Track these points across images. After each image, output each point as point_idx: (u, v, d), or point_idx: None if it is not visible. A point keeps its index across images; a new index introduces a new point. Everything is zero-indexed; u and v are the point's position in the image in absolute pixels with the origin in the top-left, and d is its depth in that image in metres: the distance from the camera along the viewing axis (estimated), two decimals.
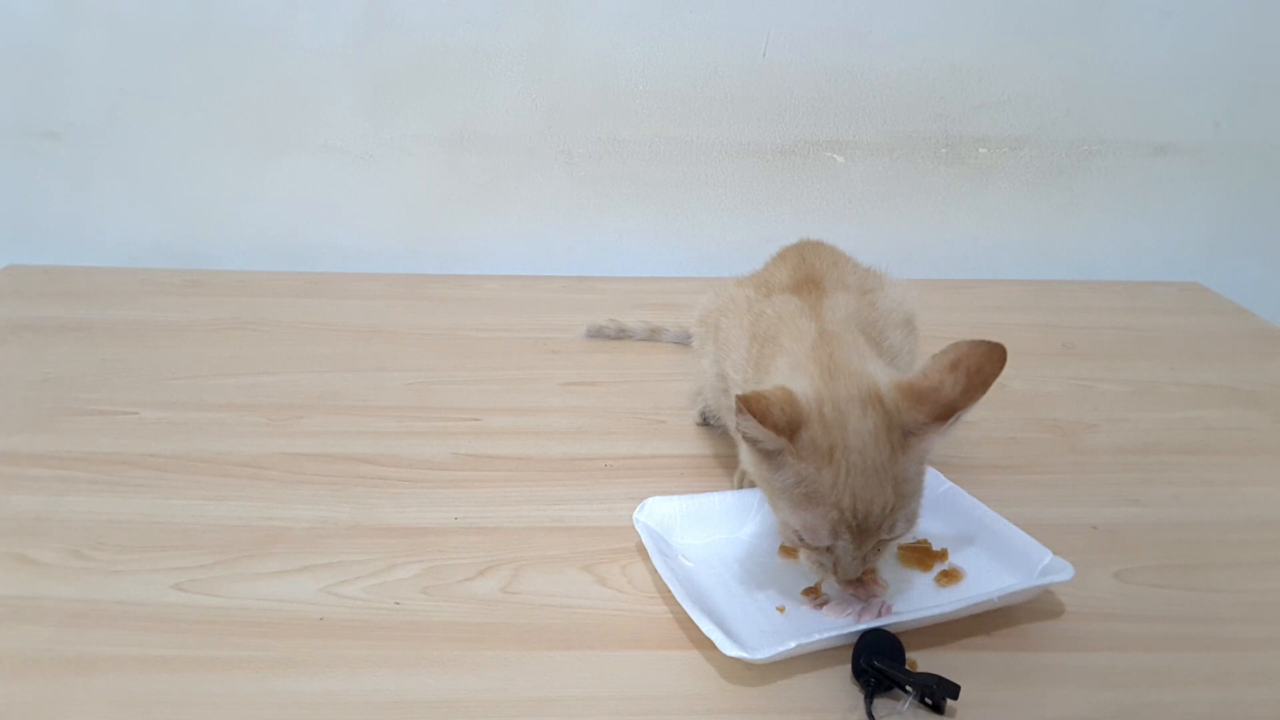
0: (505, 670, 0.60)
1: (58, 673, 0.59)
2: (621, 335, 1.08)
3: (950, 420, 0.60)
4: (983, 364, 0.60)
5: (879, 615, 0.62)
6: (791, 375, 0.63)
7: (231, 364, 1.00)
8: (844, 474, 0.59)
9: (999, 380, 0.99)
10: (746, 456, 0.64)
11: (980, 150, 1.28)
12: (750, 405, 0.58)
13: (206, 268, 1.26)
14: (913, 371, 0.63)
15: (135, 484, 0.78)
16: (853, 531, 0.60)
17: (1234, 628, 0.65)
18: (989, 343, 0.61)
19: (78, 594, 0.65)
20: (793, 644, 0.58)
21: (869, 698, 0.57)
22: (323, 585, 0.67)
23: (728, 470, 0.81)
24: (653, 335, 1.08)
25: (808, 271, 0.77)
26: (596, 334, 1.08)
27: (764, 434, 0.59)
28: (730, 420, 0.81)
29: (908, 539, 0.71)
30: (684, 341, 1.03)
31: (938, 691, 0.56)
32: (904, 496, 0.60)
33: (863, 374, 0.62)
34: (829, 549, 0.61)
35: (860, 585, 0.65)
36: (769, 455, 0.61)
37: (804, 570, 0.66)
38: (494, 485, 0.80)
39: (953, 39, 1.23)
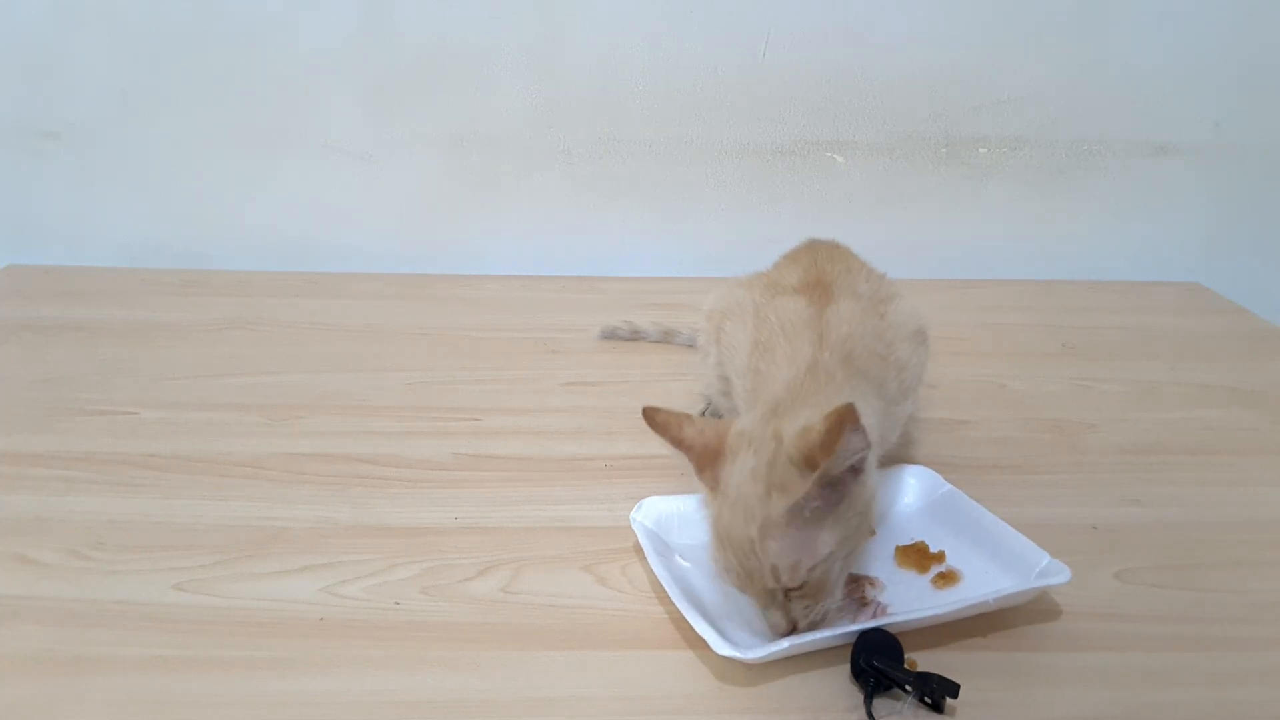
0: (505, 670, 0.60)
1: (58, 673, 0.59)
2: (635, 336, 1.07)
3: (814, 472, 0.56)
4: (832, 421, 0.56)
5: (873, 617, 0.62)
6: (750, 414, 0.64)
7: (231, 364, 1.00)
8: (724, 508, 0.59)
9: (999, 381, 1.01)
10: None
11: (980, 150, 1.28)
12: (654, 422, 0.61)
13: (206, 268, 1.26)
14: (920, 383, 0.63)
15: (135, 484, 0.78)
16: (736, 572, 0.59)
17: (1234, 628, 0.65)
18: (839, 407, 0.56)
19: (78, 594, 0.65)
20: (786, 644, 0.58)
21: (869, 697, 0.57)
22: (323, 585, 0.67)
23: None
24: (666, 337, 1.07)
25: (818, 275, 0.76)
26: (610, 335, 1.08)
27: (666, 448, 0.61)
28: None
29: (907, 536, 0.71)
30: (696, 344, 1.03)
31: (937, 690, 0.56)
32: (775, 539, 0.57)
33: (797, 414, 0.61)
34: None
35: (854, 586, 0.65)
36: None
37: None
38: (494, 485, 0.80)
39: (953, 39, 1.23)
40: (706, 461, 0.61)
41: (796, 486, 0.57)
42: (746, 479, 0.59)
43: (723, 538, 0.59)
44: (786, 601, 0.59)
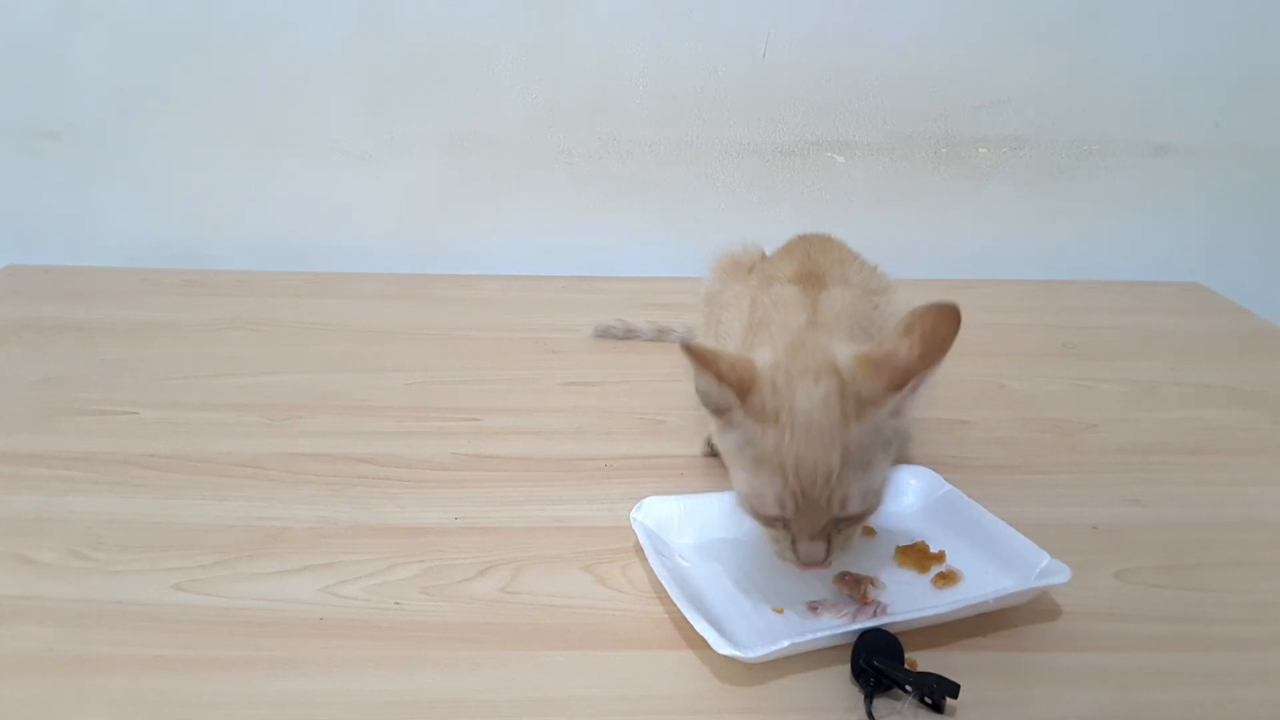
0: (505, 670, 0.60)
1: (58, 673, 0.59)
2: (629, 335, 1.08)
3: (909, 386, 0.58)
4: (937, 326, 0.58)
5: (873, 617, 0.62)
6: (761, 352, 0.64)
7: (231, 364, 1.00)
8: (788, 436, 0.58)
9: (999, 381, 1.01)
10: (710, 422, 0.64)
11: (980, 150, 1.28)
12: (694, 353, 0.59)
13: (206, 268, 1.26)
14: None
15: (135, 484, 0.78)
16: (798, 501, 0.59)
17: (1234, 628, 0.65)
18: (942, 304, 0.59)
19: (78, 594, 0.65)
20: (786, 643, 0.58)
21: (869, 697, 0.57)
22: (323, 585, 0.67)
23: (727, 471, 0.81)
24: (660, 335, 1.07)
25: (811, 267, 0.77)
26: (604, 334, 1.08)
27: (709, 384, 0.59)
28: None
29: (907, 537, 0.71)
30: None
31: (937, 690, 0.56)
32: (853, 465, 0.58)
33: (825, 349, 0.62)
34: (786, 525, 0.60)
35: (855, 586, 0.65)
36: (720, 414, 0.61)
37: (801, 573, 0.65)
38: (494, 485, 0.80)
39: (953, 39, 1.23)
40: (744, 394, 0.60)
41: (873, 410, 0.58)
42: (818, 406, 0.58)
43: (787, 467, 0.59)
44: (833, 532, 0.60)
